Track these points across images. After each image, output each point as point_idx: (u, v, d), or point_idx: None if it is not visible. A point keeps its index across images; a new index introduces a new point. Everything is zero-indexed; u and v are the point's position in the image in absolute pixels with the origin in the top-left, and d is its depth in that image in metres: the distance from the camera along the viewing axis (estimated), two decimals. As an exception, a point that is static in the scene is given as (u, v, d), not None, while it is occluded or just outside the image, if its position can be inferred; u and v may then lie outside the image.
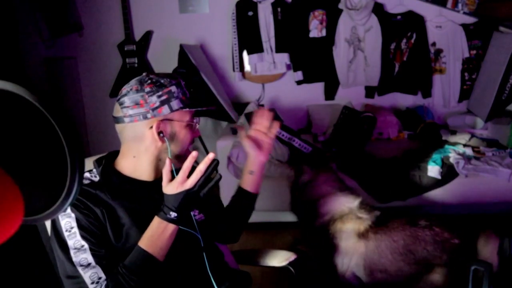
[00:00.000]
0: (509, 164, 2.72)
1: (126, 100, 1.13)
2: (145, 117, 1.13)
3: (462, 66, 3.51)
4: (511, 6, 3.32)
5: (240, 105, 3.59)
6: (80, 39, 3.75)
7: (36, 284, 2.30)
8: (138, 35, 3.71)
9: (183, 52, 3.34)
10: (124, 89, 1.16)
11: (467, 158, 2.81)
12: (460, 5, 3.44)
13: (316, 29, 3.56)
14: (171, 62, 3.42)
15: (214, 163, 1.10)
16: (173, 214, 1.08)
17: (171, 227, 1.09)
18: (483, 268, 0.98)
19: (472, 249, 1.74)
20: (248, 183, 1.36)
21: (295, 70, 3.62)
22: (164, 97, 1.13)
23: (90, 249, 1.08)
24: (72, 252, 1.08)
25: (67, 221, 1.09)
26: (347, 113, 3.15)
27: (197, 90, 3.29)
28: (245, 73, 3.65)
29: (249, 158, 1.35)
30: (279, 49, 3.54)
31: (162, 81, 1.15)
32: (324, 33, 3.55)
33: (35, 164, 0.58)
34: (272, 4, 3.50)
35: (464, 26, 3.45)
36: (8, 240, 0.47)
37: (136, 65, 3.68)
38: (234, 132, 3.10)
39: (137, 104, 1.13)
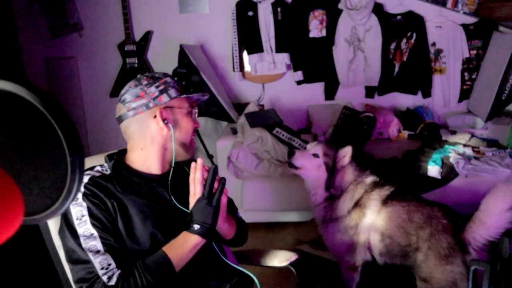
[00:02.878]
0: (509, 164, 2.72)
1: (127, 96, 1.20)
2: (148, 107, 1.19)
3: (462, 66, 3.51)
4: (511, 6, 3.32)
5: (240, 105, 3.59)
6: (80, 39, 3.75)
7: (36, 284, 2.30)
8: (138, 35, 3.71)
9: (183, 52, 3.34)
10: (124, 90, 1.23)
11: (467, 158, 2.81)
12: (460, 5, 3.45)
13: (316, 29, 3.56)
14: (171, 62, 3.42)
15: (213, 168, 1.15)
16: (196, 226, 1.13)
17: (194, 238, 1.13)
18: (483, 268, 0.98)
19: (457, 233, 1.76)
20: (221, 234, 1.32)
21: (295, 70, 3.62)
22: (161, 87, 1.21)
23: (100, 237, 1.11)
24: (82, 239, 1.10)
25: (79, 209, 1.12)
26: (347, 113, 3.15)
27: (197, 90, 3.29)
28: (245, 73, 3.65)
29: None
30: (279, 49, 3.55)
31: (156, 75, 1.24)
32: (324, 33, 3.55)
33: (35, 164, 0.58)
34: (272, 4, 3.50)
35: (464, 26, 3.45)
36: (9, 240, 0.47)
37: (136, 65, 3.68)
38: (234, 132, 3.10)
39: (138, 96, 1.19)
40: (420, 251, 1.80)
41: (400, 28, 3.49)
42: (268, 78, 3.66)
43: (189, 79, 3.25)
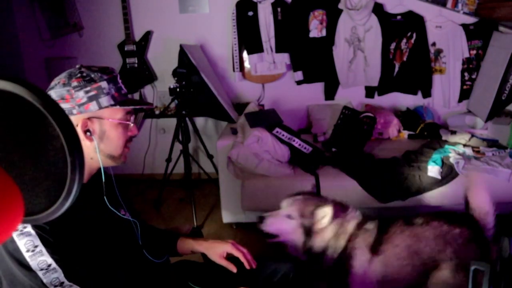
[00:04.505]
0: (509, 164, 2.72)
1: (52, 94, 1.08)
2: (71, 113, 1.07)
3: (462, 66, 3.52)
4: (511, 6, 3.32)
5: (240, 105, 3.59)
6: (80, 39, 3.75)
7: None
8: (138, 35, 3.71)
9: (183, 52, 3.34)
10: (53, 82, 1.11)
11: (467, 158, 2.81)
12: (460, 5, 3.44)
13: (316, 29, 3.56)
14: (171, 62, 3.42)
15: None
16: None
17: None
18: (483, 268, 0.98)
19: (471, 220, 1.73)
20: (183, 251, 1.44)
21: (295, 70, 3.62)
22: (92, 93, 1.08)
23: (60, 267, 1.00)
24: (40, 273, 0.98)
25: (28, 240, 0.99)
26: (347, 113, 3.15)
27: (197, 90, 3.29)
28: (245, 73, 3.65)
29: (209, 252, 1.40)
30: (279, 49, 3.55)
31: (92, 75, 1.10)
32: (324, 33, 3.55)
33: (35, 164, 0.58)
34: (272, 4, 3.50)
35: (464, 26, 3.45)
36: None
37: (136, 65, 3.68)
38: (234, 132, 3.10)
39: (62, 98, 1.07)
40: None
41: (400, 28, 3.49)
42: (268, 78, 3.65)
43: (189, 79, 3.25)
